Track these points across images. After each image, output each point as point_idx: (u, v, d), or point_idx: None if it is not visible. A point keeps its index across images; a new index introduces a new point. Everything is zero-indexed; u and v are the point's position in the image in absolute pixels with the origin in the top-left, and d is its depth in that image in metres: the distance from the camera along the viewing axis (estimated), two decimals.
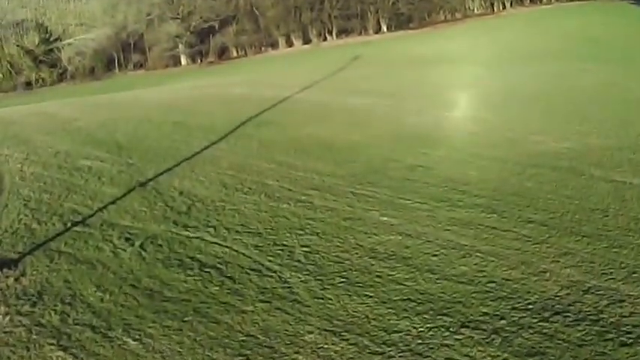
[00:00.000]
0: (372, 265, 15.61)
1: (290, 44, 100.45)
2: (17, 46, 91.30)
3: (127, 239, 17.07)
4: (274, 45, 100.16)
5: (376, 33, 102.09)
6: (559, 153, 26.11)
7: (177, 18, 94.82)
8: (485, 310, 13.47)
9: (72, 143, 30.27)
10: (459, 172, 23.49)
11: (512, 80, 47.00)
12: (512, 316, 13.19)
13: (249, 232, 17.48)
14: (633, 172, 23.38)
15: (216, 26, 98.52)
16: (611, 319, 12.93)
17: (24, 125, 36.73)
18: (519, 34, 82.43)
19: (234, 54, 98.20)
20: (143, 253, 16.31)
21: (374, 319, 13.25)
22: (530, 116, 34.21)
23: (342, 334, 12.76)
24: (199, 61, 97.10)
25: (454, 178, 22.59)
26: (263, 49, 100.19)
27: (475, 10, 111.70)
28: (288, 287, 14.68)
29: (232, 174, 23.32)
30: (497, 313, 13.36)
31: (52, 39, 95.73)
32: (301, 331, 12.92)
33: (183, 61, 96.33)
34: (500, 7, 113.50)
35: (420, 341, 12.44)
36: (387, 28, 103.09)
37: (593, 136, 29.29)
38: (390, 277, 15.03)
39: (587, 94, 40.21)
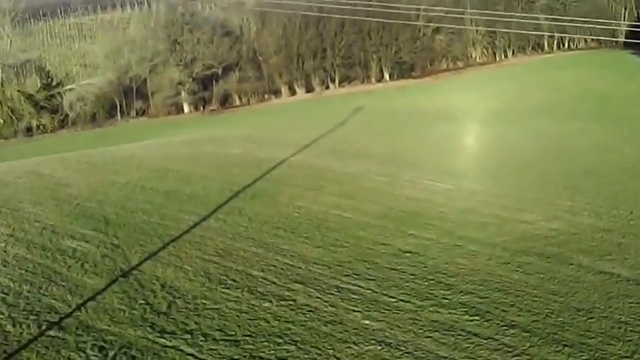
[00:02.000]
0: None
1: (293, 92, 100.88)
2: (18, 91, 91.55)
3: (101, 349, 16.67)
4: (277, 93, 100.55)
5: (378, 81, 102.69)
6: (548, 237, 25.97)
7: (180, 64, 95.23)
8: None
9: (60, 216, 30.00)
10: (446, 260, 23.27)
11: (508, 142, 47.10)
12: None
13: (226, 340, 17.12)
14: (621, 261, 23.25)
15: (219, 72, 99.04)
16: None
17: (15, 189, 36.53)
18: (519, 87, 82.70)
19: (237, 102, 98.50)
20: None
21: None
22: (522, 187, 34.16)
23: None
24: (202, 108, 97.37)
25: (441, 269, 22.38)
26: (266, 96, 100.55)
27: (477, 59, 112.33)
28: None
29: (218, 261, 23.04)
30: None
31: (53, 84, 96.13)
32: None
33: (186, 108, 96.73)
34: (502, 56, 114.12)
35: None
36: (390, 77, 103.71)
37: (585, 214, 29.24)
38: None
39: (582, 161, 40.26)
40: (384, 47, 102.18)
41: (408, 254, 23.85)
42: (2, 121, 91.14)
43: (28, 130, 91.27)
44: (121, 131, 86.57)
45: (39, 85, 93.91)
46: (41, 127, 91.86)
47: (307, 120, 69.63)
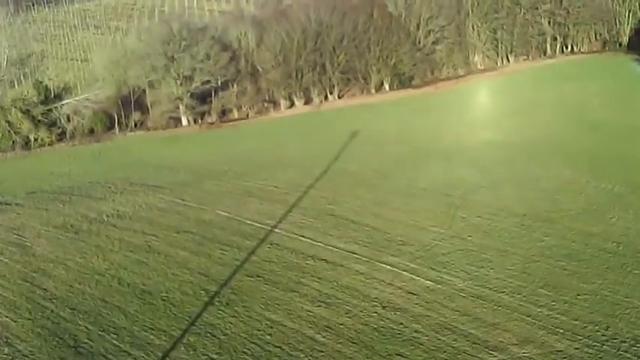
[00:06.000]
0: None
1: (292, 103, 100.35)
2: (15, 107, 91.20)
3: None
4: (275, 105, 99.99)
5: (378, 91, 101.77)
6: None
7: (178, 80, 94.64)
8: None
9: (31, 335, 30.71)
10: None
11: (494, 207, 45.44)
12: None
13: None
14: None
15: (219, 82, 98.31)
16: None
17: None
18: (519, 107, 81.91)
19: (236, 115, 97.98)
20: None
21: None
22: (499, 288, 33.18)
23: None
24: (200, 120, 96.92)
25: None
26: (265, 105, 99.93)
27: (478, 66, 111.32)
28: None
29: None
30: None
31: (51, 97, 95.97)
32: None
33: (184, 121, 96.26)
34: (504, 61, 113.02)
35: None
36: (390, 87, 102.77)
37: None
38: None
39: (560, 244, 38.58)
40: (384, 59, 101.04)
41: None
42: (0, 134, 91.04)
43: (26, 143, 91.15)
44: (118, 148, 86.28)
45: (36, 100, 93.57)
46: (39, 140, 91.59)
47: (301, 152, 69.14)
